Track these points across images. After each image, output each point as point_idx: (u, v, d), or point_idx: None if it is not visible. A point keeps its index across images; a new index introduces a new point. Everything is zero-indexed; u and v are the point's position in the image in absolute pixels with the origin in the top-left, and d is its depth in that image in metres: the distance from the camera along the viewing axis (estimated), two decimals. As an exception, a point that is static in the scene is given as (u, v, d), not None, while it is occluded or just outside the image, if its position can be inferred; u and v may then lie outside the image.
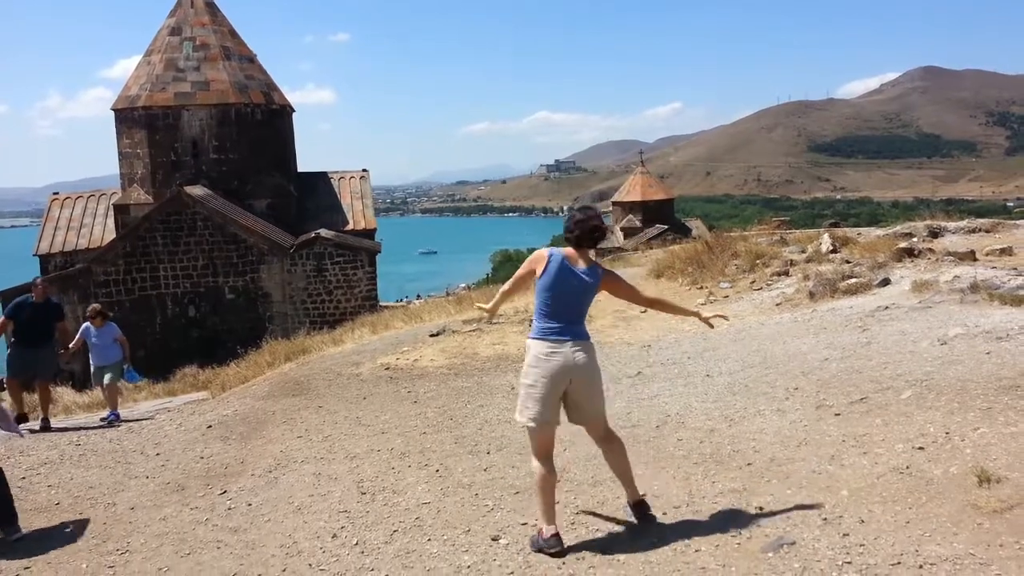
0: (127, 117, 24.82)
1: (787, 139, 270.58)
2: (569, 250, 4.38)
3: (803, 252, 13.39)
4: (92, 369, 10.36)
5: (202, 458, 7.01)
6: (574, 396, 4.28)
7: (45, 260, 24.44)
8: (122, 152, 25.15)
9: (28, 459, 7.60)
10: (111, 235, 24.03)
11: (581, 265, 4.31)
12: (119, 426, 9.18)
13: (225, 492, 5.97)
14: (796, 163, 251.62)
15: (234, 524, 5.28)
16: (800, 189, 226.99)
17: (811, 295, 10.54)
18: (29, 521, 5.78)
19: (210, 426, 8.14)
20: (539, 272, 4.31)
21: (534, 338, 4.31)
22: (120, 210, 24.25)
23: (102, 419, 9.65)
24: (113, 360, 10.21)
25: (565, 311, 4.27)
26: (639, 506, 4.47)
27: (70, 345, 10.16)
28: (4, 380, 10.50)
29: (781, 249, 13.91)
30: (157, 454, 7.33)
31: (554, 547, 4.16)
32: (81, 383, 17.47)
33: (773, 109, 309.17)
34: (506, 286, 4.71)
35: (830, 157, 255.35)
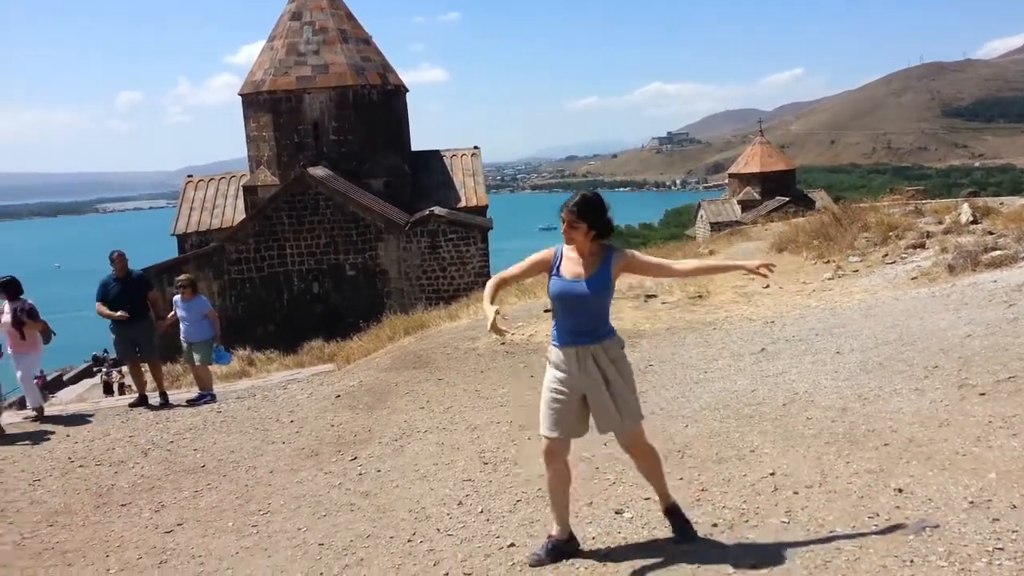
0: (253, 102, 26.01)
1: (919, 103, 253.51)
2: (568, 249, 3.95)
3: (940, 223, 12.60)
4: (182, 344, 9.79)
5: (332, 426, 7.35)
6: (593, 403, 3.90)
7: (182, 239, 26.06)
8: (249, 136, 26.40)
9: (175, 424, 8.19)
10: (241, 215, 25.34)
11: (581, 270, 3.87)
12: (212, 402, 9.19)
13: (355, 458, 6.24)
14: (930, 129, 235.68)
15: (365, 489, 5.52)
16: (934, 157, 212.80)
17: (950, 268, 9.91)
18: (179, 482, 6.25)
19: (338, 396, 8.50)
20: (546, 270, 3.99)
21: (551, 343, 3.98)
22: (249, 191, 25.52)
23: (189, 400, 9.37)
24: (201, 337, 9.60)
25: (575, 320, 3.90)
26: (672, 514, 4.08)
27: (166, 318, 9.80)
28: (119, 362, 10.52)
29: (916, 220, 13.13)
30: (291, 421, 7.74)
31: (534, 557, 3.99)
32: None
33: (903, 72, 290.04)
34: (505, 274, 4.16)
35: (967, 122, 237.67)
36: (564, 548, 4.02)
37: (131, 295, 9.32)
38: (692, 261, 4.07)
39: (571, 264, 3.91)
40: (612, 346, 3.93)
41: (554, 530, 4.08)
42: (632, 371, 4.05)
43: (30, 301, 8.83)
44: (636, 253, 4.07)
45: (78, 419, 8.79)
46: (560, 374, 3.91)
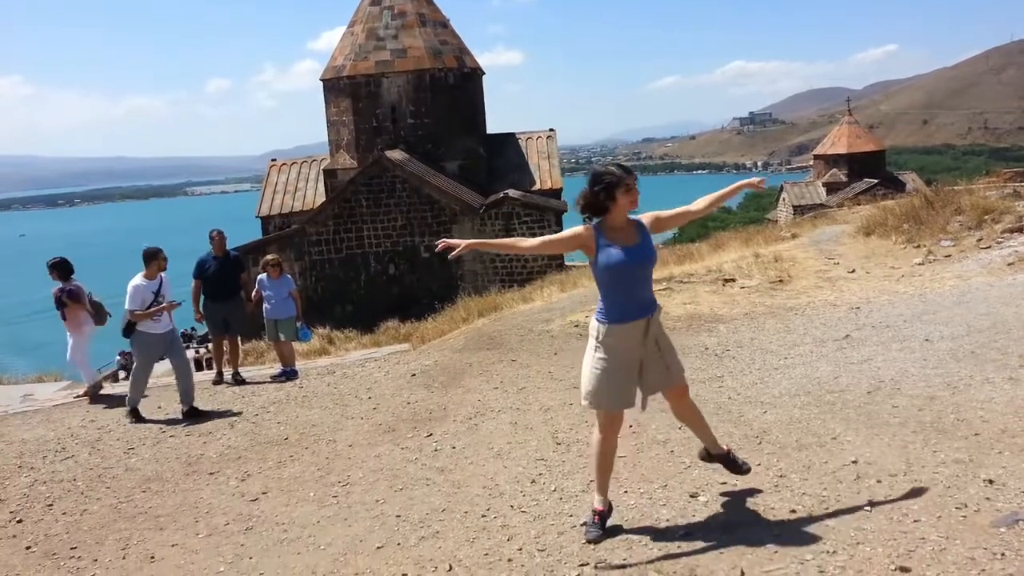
0: (333, 87, 26.50)
1: (1021, 80, 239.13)
2: (611, 226, 3.97)
3: (1041, 206, 11.90)
4: (265, 322, 9.99)
5: (408, 403, 7.50)
6: (649, 368, 4.08)
7: (266, 221, 26.83)
8: (330, 120, 26.95)
9: (259, 399, 8.50)
10: (322, 198, 25.91)
11: (629, 240, 3.96)
12: (294, 378, 9.36)
13: (431, 435, 6.36)
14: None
15: (440, 465, 5.62)
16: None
17: (1051, 254, 9.38)
18: (263, 453, 6.49)
19: (414, 375, 8.66)
20: (591, 251, 4.00)
21: (609, 322, 3.99)
22: (329, 175, 26.08)
23: (272, 376, 9.59)
24: (286, 315, 9.82)
25: (640, 293, 4.01)
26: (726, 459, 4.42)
27: (252, 295, 10.03)
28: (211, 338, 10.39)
29: (1014, 203, 12.45)
30: (369, 398, 7.93)
31: (591, 533, 4.08)
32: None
33: (1004, 47, 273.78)
34: (533, 242, 4.21)
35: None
36: (608, 516, 4.19)
37: (227, 274, 9.61)
38: (704, 198, 4.35)
39: (617, 236, 3.97)
40: (658, 313, 4.13)
41: (597, 503, 4.19)
42: None
43: (77, 283, 8.99)
44: (653, 214, 4.16)
45: (169, 392, 9.21)
46: (617, 350, 3.99)
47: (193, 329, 32.15)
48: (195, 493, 5.69)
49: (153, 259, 7.96)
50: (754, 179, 4.42)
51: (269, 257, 10.20)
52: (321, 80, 27.02)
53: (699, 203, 4.36)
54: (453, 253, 4.12)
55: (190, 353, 21.77)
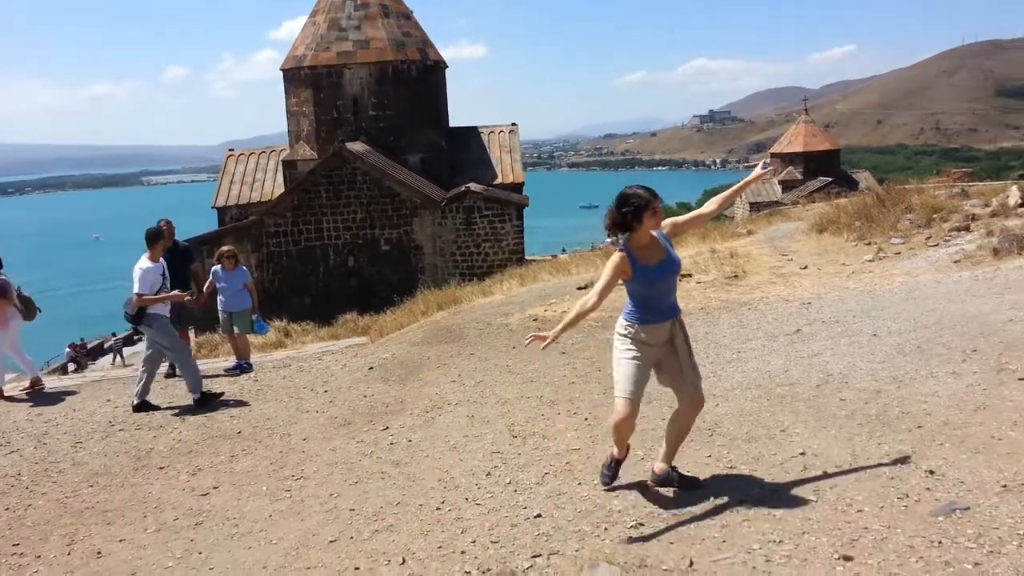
0: (294, 77, 26.15)
1: (971, 83, 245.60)
2: (637, 244, 4.15)
3: (987, 206, 12.25)
4: (220, 315, 9.81)
5: (365, 396, 7.45)
6: (669, 365, 4.33)
7: (222, 212, 26.39)
8: (290, 111, 26.59)
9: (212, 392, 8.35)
10: (280, 189, 25.58)
11: (659, 254, 4.19)
12: (249, 371, 9.24)
13: (387, 428, 6.33)
14: (981, 110, 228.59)
15: (396, 458, 5.61)
16: (985, 138, 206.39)
17: (995, 252, 9.66)
18: (215, 447, 6.40)
19: (371, 368, 8.61)
20: (628, 275, 4.18)
21: (640, 323, 4.21)
22: (288, 166, 25.74)
23: (226, 369, 9.43)
24: (241, 307, 9.66)
25: (669, 298, 4.31)
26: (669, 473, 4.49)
27: (204, 288, 9.72)
28: None
29: (961, 203, 12.79)
30: (325, 391, 7.86)
31: (605, 476, 4.55)
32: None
33: (957, 51, 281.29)
34: (587, 304, 4.17)
35: (1021, 102, 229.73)
36: (622, 463, 4.58)
37: (176, 265, 9.32)
38: (715, 198, 4.63)
39: (646, 253, 4.17)
40: (681, 315, 4.38)
41: (616, 452, 4.54)
42: None
43: (4, 277, 8.60)
44: (671, 221, 4.39)
45: (119, 384, 9.03)
46: (646, 347, 4.23)
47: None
48: (144, 488, 5.59)
49: (159, 239, 7.74)
50: (757, 171, 4.72)
51: (224, 248, 9.98)
52: (282, 70, 26.65)
53: (711, 204, 4.58)
54: (545, 344, 4.19)
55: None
